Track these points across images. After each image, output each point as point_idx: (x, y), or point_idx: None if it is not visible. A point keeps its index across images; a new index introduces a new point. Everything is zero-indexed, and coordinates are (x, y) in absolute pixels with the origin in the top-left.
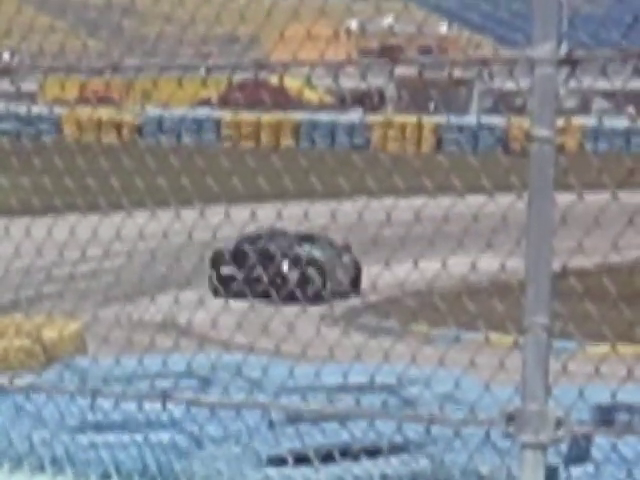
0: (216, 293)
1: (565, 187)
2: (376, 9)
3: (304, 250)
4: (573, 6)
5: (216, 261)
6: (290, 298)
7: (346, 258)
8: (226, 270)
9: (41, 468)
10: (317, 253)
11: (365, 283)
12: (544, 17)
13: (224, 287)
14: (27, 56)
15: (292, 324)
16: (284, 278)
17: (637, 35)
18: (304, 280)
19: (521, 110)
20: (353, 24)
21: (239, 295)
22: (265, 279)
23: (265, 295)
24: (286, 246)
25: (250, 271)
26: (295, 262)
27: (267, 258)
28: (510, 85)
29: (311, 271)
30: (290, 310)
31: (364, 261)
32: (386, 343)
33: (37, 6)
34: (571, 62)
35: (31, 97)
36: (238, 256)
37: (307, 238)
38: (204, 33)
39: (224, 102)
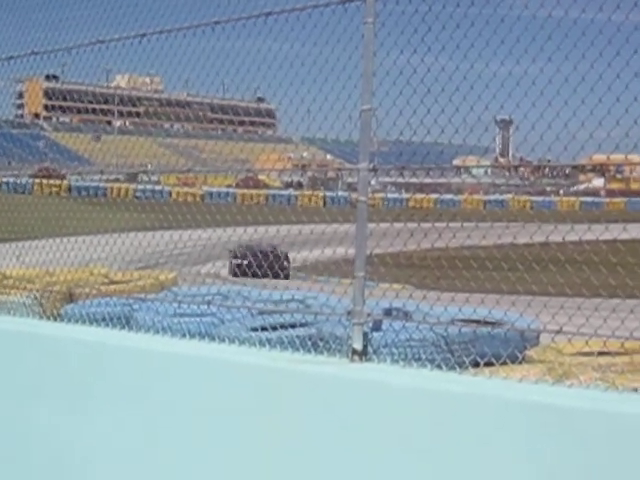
0: (230, 273)
1: (372, 220)
2: (298, 149)
3: (271, 250)
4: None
5: (234, 256)
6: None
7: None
8: (236, 261)
9: (157, 332)
10: (278, 250)
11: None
12: (364, 149)
13: (236, 269)
14: (156, 166)
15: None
16: (262, 265)
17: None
18: (272, 265)
19: (356, 189)
20: (291, 154)
21: (243, 275)
22: (254, 265)
23: (254, 275)
24: (263, 248)
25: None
26: (266, 256)
27: (255, 254)
28: (352, 179)
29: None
30: None
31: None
32: (299, 282)
33: (163, 146)
34: (374, 170)
35: (155, 183)
36: (242, 253)
37: (271, 245)
38: (225, 158)
39: (236, 186)
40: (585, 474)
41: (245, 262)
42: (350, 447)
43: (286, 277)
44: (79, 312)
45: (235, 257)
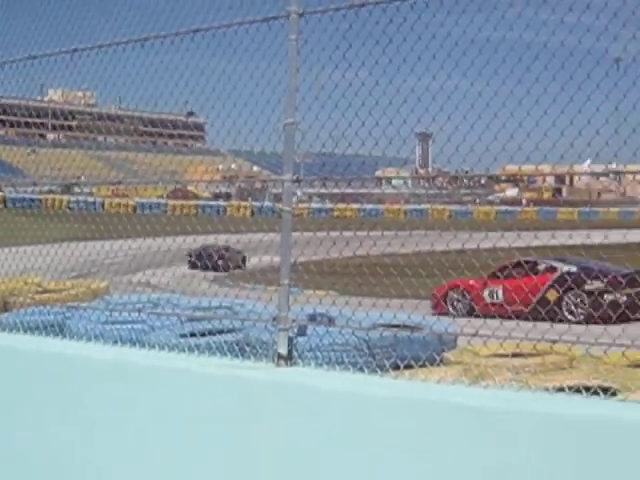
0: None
1: (295, 229)
2: (226, 160)
3: (225, 251)
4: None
5: (189, 255)
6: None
7: (240, 254)
8: (193, 259)
9: (89, 339)
10: (230, 252)
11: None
12: (288, 161)
13: (192, 265)
14: (89, 178)
15: (193, 283)
16: (217, 262)
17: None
18: (225, 263)
19: (281, 200)
20: (220, 166)
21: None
22: (208, 262)
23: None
24: (218, 249)
25: (202, 259)
26: (221, 255)
27: (210, 253)
28: (277, 190)
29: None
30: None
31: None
32: (226, 289)
33: (95, 158)
34: (298, 181)
35: (88, 194)
36: (199, 253)
37: (225, 247)
38: (155, 170)
39: (167, 197)
40: (505, 473)
41: (195, 259)
42: (278, 450)
43: (225, 269)
44: (13, 321)
45: (190, 255)
